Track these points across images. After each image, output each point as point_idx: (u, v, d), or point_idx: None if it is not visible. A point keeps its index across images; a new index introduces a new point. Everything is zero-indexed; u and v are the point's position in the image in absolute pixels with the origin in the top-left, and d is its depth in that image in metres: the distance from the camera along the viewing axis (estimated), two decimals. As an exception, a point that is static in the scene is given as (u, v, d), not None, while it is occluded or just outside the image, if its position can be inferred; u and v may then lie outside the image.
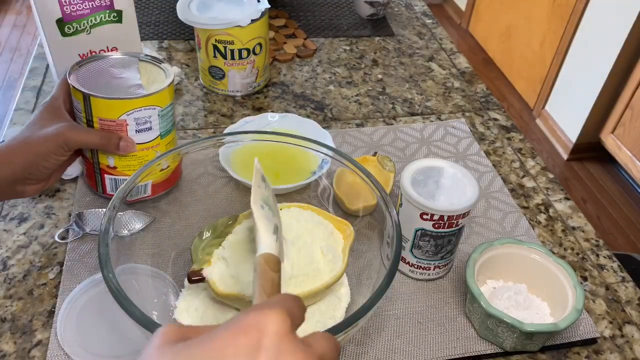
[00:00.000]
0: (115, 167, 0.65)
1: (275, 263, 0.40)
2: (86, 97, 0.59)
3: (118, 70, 0.65)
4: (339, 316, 0.55)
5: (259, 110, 0.87)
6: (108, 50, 0.70)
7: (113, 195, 0.52)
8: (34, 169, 0.59)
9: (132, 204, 0.55)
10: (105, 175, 0.65)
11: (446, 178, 0.59)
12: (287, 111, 0.87)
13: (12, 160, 0.58)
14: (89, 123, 0.61)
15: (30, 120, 0.62)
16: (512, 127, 0.88)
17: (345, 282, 0.58)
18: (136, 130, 0.62)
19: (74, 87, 0.60)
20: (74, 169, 0.71)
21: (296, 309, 0.31)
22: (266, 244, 0.41)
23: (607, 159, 2.21)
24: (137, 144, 0.64)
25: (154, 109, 0.62)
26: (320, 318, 0.54)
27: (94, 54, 0.69)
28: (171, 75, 0.65)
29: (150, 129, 0.63)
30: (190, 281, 0.52)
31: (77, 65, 0.64)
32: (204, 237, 0.56)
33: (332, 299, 0.56)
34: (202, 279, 0.52)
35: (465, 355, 0.56)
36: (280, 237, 0.44)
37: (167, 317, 0.53)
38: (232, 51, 0.83)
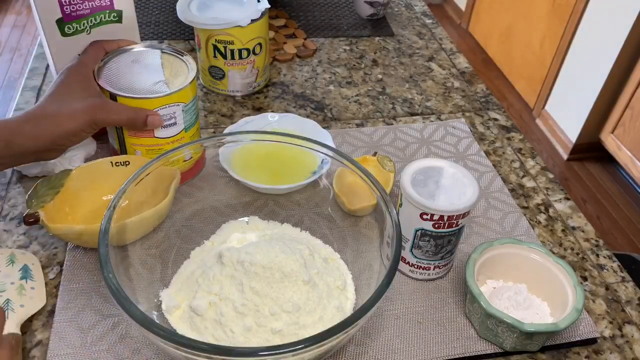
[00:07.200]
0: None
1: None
2: (113, 97, 0.62)
3: (142, 66, 0.65)
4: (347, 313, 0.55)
5: (259, 110, 0.87)
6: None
7: None
8: (60, 143, 0.60)
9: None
10: None
11: (446, 178, 0.59)
12: (287, 111, 0.87)
13: (39, 135, 0.58)
14: None
15: (56, 85, 0.61)
16: (512, 127, 0.88)
17: (351, 281, 0.58)
18: (162, 127, 0.64)
19: (101, 86, 0.62)
20: (34, 169, 0.70)
21: None
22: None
23: (607, 159, 2.21)
24: (162, 138, 0.65)
25: (178, 105, 0.64)
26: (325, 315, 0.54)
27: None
28: (194, 69, 0.66)
29: (175, 124, 0.65)
30: (27, 223, 0.57)
31: (102, 62, 0.64)
32: (38, 190, 0.60)
33: (340, 298, 0.56)
34: (37, 221, 0.57)
35: (465, 355, 0.56)
36: None
37: (166, 318, 0.53)
38: (232, 51, 0.83)
